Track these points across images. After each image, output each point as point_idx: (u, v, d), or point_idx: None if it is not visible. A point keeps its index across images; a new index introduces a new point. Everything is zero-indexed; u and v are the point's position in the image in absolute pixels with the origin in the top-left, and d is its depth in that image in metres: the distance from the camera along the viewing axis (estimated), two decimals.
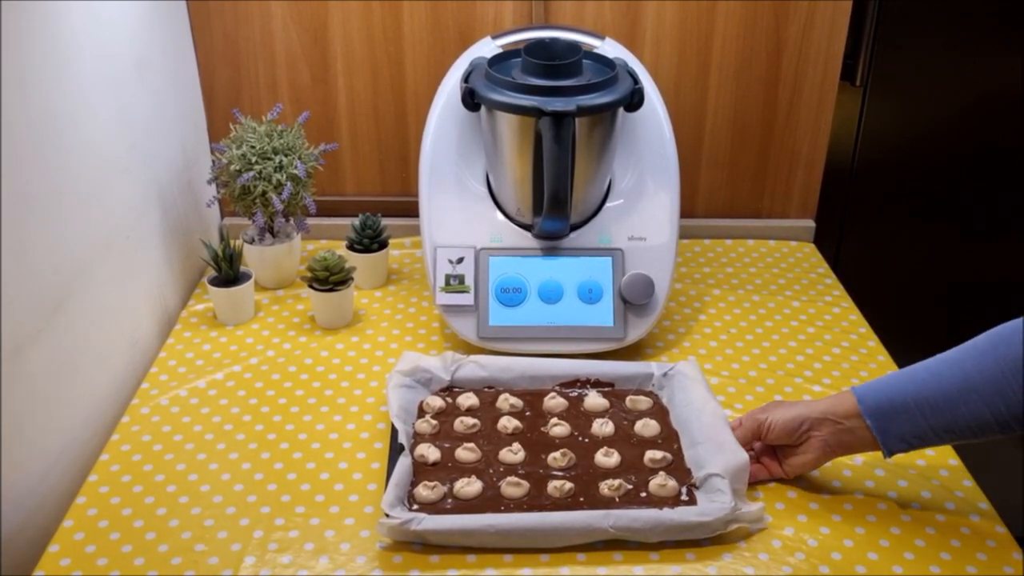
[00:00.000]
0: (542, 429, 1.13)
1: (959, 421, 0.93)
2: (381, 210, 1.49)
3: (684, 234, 1.59)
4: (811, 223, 1.65)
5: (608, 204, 1.33)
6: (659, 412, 1.16)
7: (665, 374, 1.20)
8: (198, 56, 1.52)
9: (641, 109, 1.26)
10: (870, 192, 1.76)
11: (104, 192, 1.19)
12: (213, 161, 1.43)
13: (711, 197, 1.64)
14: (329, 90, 1.55)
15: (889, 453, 0.98)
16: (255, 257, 1.43)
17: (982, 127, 1.71)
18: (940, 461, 1.11)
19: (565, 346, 1.27)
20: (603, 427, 1.13)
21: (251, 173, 1.35)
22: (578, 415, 1.16)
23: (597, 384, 1.21)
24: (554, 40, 1.28)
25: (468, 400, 1.17)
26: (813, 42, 1.51)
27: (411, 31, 1.50)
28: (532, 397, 1.19)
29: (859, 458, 1.09)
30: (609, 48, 1.35)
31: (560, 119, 1.16)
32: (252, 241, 1.44)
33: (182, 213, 1.44)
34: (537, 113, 1.17)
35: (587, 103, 1.19)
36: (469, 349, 1.28)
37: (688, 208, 1.61)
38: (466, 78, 1.27)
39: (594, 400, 1.18)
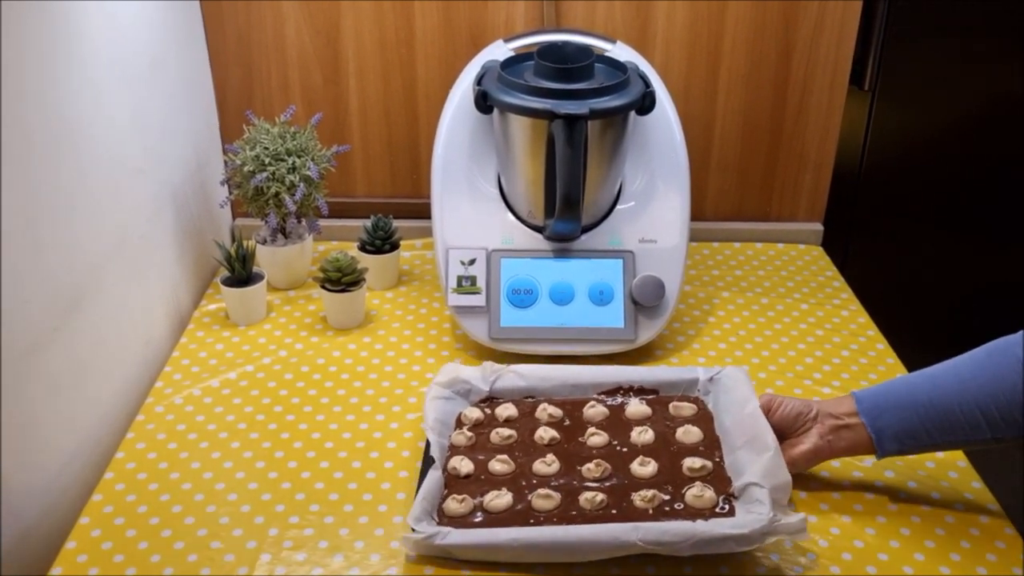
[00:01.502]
0: (580, 439, 1.09)
1: (952, 422, 0.95)
2: (392, 212, 1.50)
3: (693, 237, 1.59)
4: (819, 226, 1.66)
5: (619, 206, 1.34)
6: (703, 418, 1.12)
7: (711, 379, 1.15)
8: (211, 57, 1.53)
9: (652, 112, 1.26)
10: (878, 196, 1.77)
11: (118, 193, 1.20)
12: (226, 162, 1.44)
13: (720, 200, 1.65)
14: (341, 92, 1.56)
15: (882, 453, 1.00)
16: (267, 258, 1.44)
17: (990, 131, 1.71)
18: (949, 462, 1.11)
19: (576, 347, 1.28)
20: (642, 435, 1.09)
21: (264, 174, 1.36)
22: (618, 424, 1.12)
23: (640, 391, 1.17)
24: (566, 43, 1.28)
25: (507, 411, 1.13)
26: (822, 46, 1.52)
27: (423, 33, 1.51)
28: (572, 406, 1.15)
29: (868, 459, 1.10)
30: (620, 51, 1.36)
31: (573, 122, 1.17)
32: (264, 242, 1.45)
33: (195, 214, 1.45)
34: (550, 116, 1.18)
35: (599, 106, 1.19)
36: (480, 350, 1.29)
37: (697, 211, 1.61)
38: (479, 81, 1.28)
39: (636, 408, 1.13)
